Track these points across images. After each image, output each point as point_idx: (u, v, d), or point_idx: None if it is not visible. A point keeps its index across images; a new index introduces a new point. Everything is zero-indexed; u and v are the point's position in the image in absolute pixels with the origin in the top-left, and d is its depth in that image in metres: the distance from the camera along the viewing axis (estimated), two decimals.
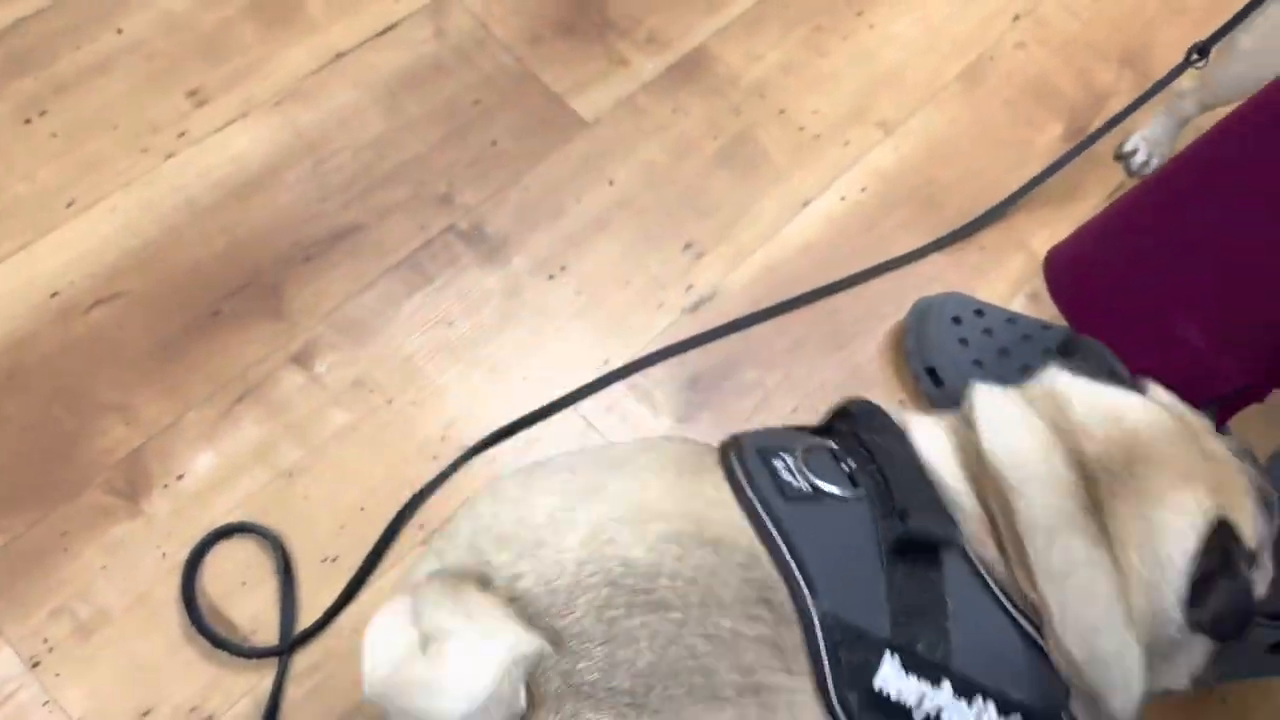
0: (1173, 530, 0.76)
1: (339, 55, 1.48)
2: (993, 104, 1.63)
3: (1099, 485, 0.77)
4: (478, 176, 1.42)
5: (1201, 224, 1.08)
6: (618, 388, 1.32)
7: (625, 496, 0.75)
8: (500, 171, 1.43)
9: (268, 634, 1.13)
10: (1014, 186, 1.52)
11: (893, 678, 0.72)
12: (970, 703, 0.74)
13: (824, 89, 1.59)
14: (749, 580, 0.72)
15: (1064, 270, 1.24)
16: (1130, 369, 1.20)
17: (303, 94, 1.44)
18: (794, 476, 0.78)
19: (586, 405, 1.30)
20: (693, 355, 1.36)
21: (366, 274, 1.33)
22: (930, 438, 0.82)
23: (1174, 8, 1.74)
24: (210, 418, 1.23)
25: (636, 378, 1.33)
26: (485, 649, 0.66)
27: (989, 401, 0.83)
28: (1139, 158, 1.59)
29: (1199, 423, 0.85)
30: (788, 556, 0.73)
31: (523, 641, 0.67)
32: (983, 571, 0.77)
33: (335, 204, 1.37)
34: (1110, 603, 0.76)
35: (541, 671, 0.68)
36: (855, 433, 0.83)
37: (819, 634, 0.71)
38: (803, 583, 0.72)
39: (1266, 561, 0.82)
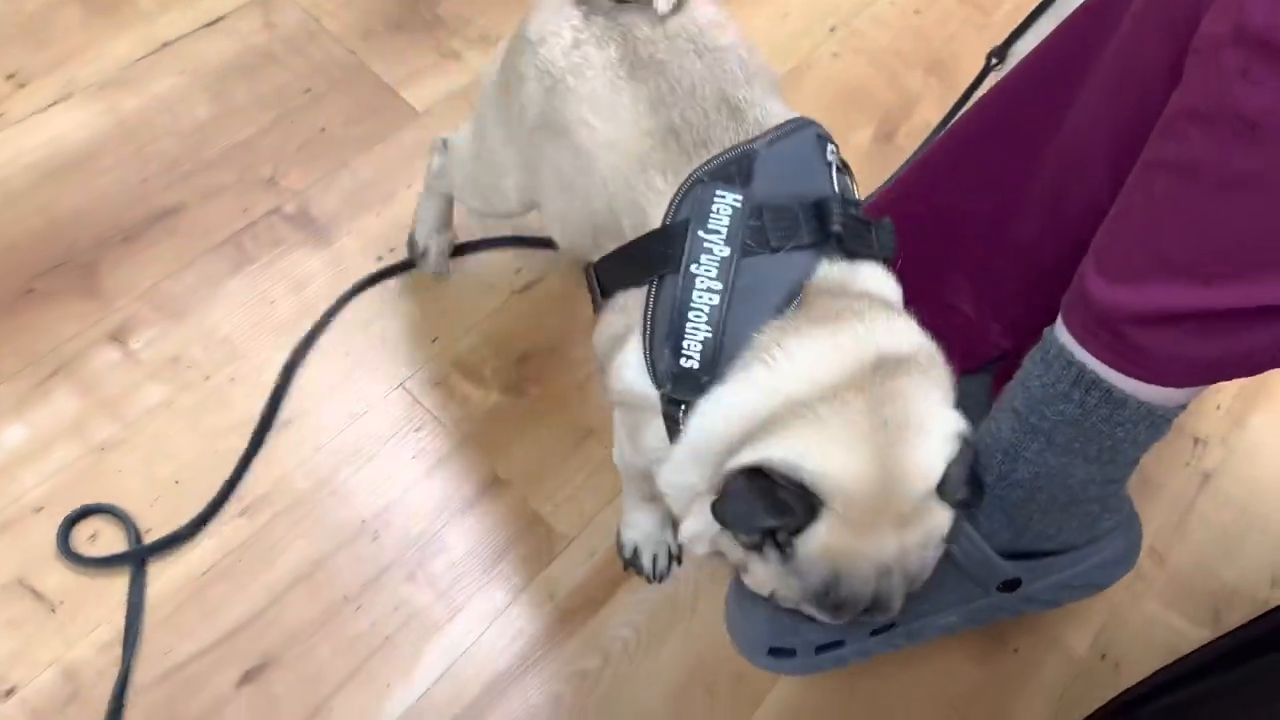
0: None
1: (166, 44, 1.48)
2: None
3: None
4: (305, 161, 1.44)
5: (961, 196, 1.18)
6: (444, 364, 1.35)
7: None
8: (329, 157, 1.45)
9: (75, 605, 1.12)
10: None
11: (725, 204, 0.87)
12: (715, 278, 0.87)
13: None
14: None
15: None
16: None
17: (127, 80, 1.45)
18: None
19: (413, 382, 1.33)
20: (522, 332, 1.39)
21: (186, 254, 1.34)
22: None
23: (977, 22, 1.88)
24: (21, 391, 1.22)
25: (464, 354, 1.36)
26: None
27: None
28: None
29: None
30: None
31: None
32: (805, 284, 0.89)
33: (156, 186, 1.38)
34: None
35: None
36: None
37: (741, 147, 0.89)
38: (776, 132, 0.91)
39: None
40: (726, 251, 0.86)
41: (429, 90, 1.54)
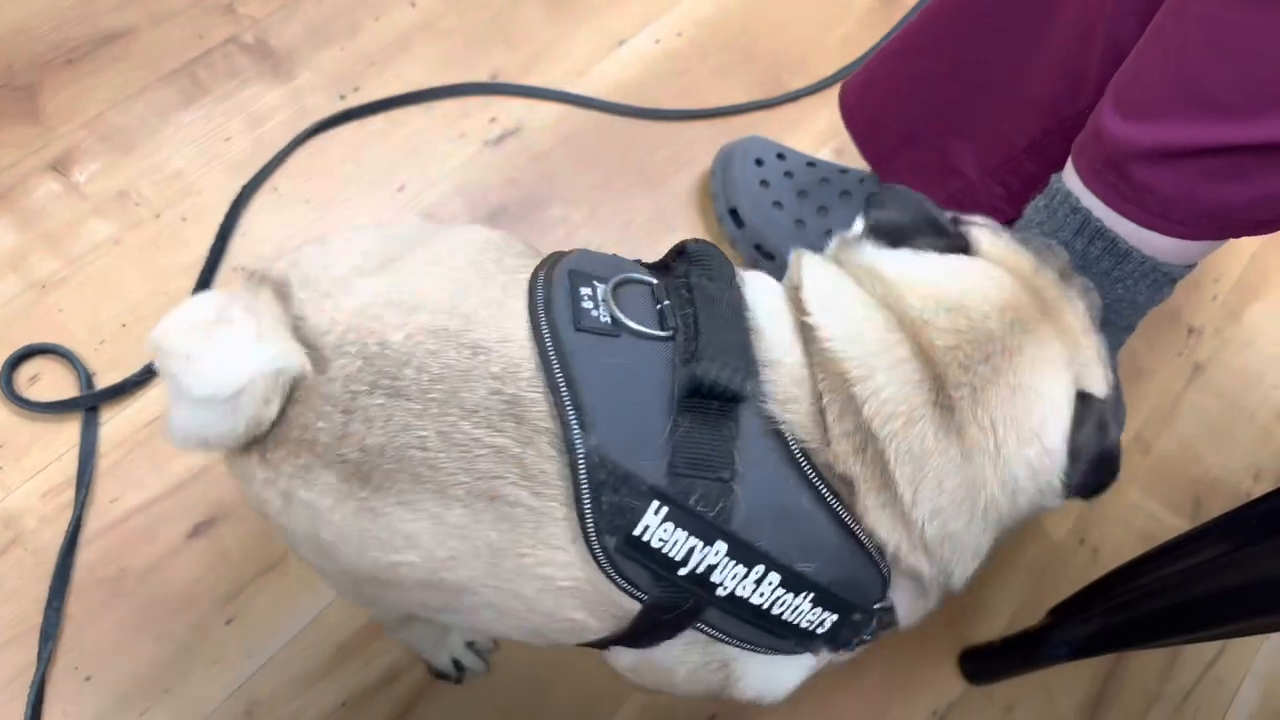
0: (1045, 418, 0.72)
1: None
2: None
3: (947, 380, 0.70)
4: None
5: (971, 50, 1.09)
6: (411, 214, 1.27)
7: (409, 277, 0.72)
8: None
9: (15, 449, 1.06)
10: (827, 40, 1.52)
11: (657, 528, 0.67)
12: (751, 570, 0.69)
13: None
14: (498, 392, 0.67)
15: (856, 99, 1.24)
16: None
17: None
18: (596, 306, 0.71)
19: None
20: (497, 188, 1.31)
21: (135, 81, 1.24)
22: (764, 292, 0.75)
23: None
24: None
25: (435, 208, 1.28)
26: (256, 346, 0.65)
27: (819, 276, 0.75)
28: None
29: (1033, 266, 0.77)
30: (560, 383, 0.67)
31: (292, 355, 0.66)
32: (788, 436, 0.69)
33: (104, 5, 1.26)
34: (964, 489, 0.71)
35: (291, 411, 0.67)
36: (686, 274, 0.75)
37: (582, 469, 0.66)
38: (573, 413, 0.66)
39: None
40: (722, 546, 0.68)
41: None
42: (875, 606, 0.74)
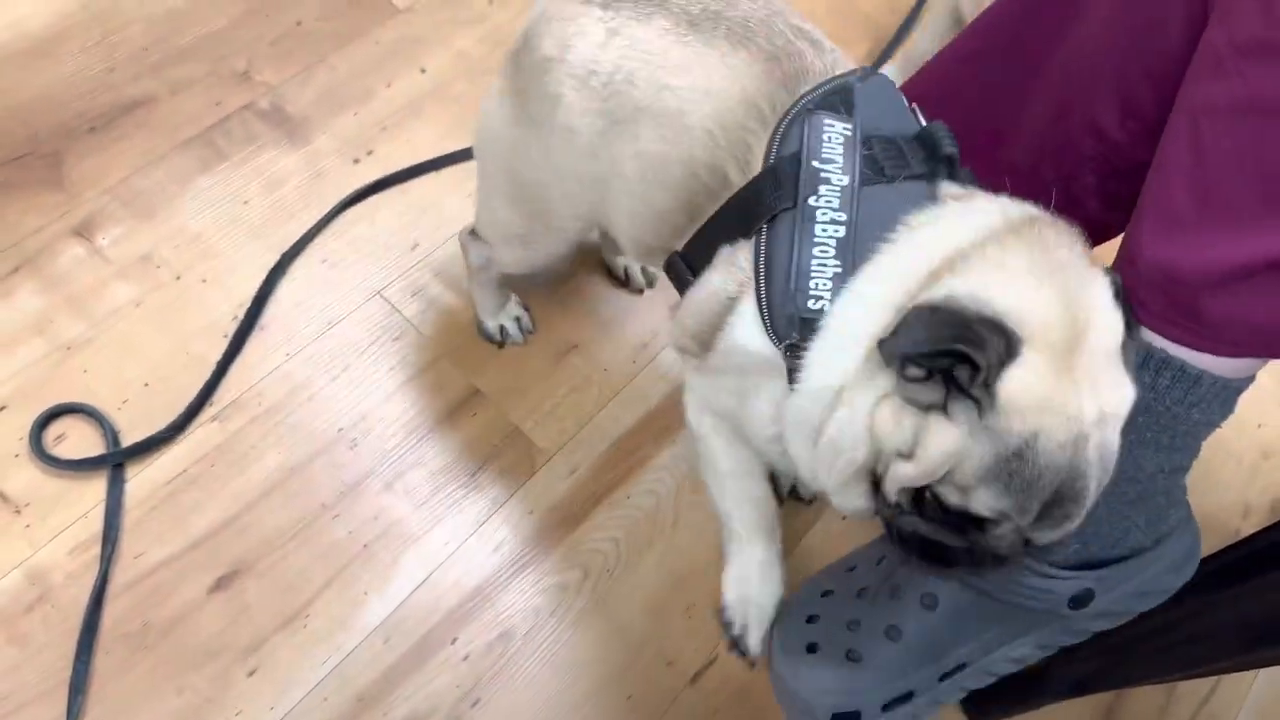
0: None
1: None
2: None
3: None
4: (280, 56, 1.38)
5: (957, 118, 1.13)
6: (425, 273, 1.31)
7: None
8: (305, 52, 1.39)
9: (42, 507, 1.09)
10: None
11: (837, 131, 0.83)
12: (838, 208, 0.80)
13: None
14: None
15: None
16: None
17: None
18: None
19: (392, 290, 1.29)
20: None
21: (156, 148, 1.28)
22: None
23: None
24: None
25: (447, 266, 1.32)
26: None
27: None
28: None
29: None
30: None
31: None
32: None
33: (124, 76, 1.31)
34: None
35: None
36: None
37: (836, 80, 0.86)
38: (860, 74, 0.87)
39: None
40: (846, 180, 0.80)
41: None
42: None
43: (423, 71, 1.42)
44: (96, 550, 1.08)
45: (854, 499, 0.81)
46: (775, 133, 0.83)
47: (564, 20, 0.92)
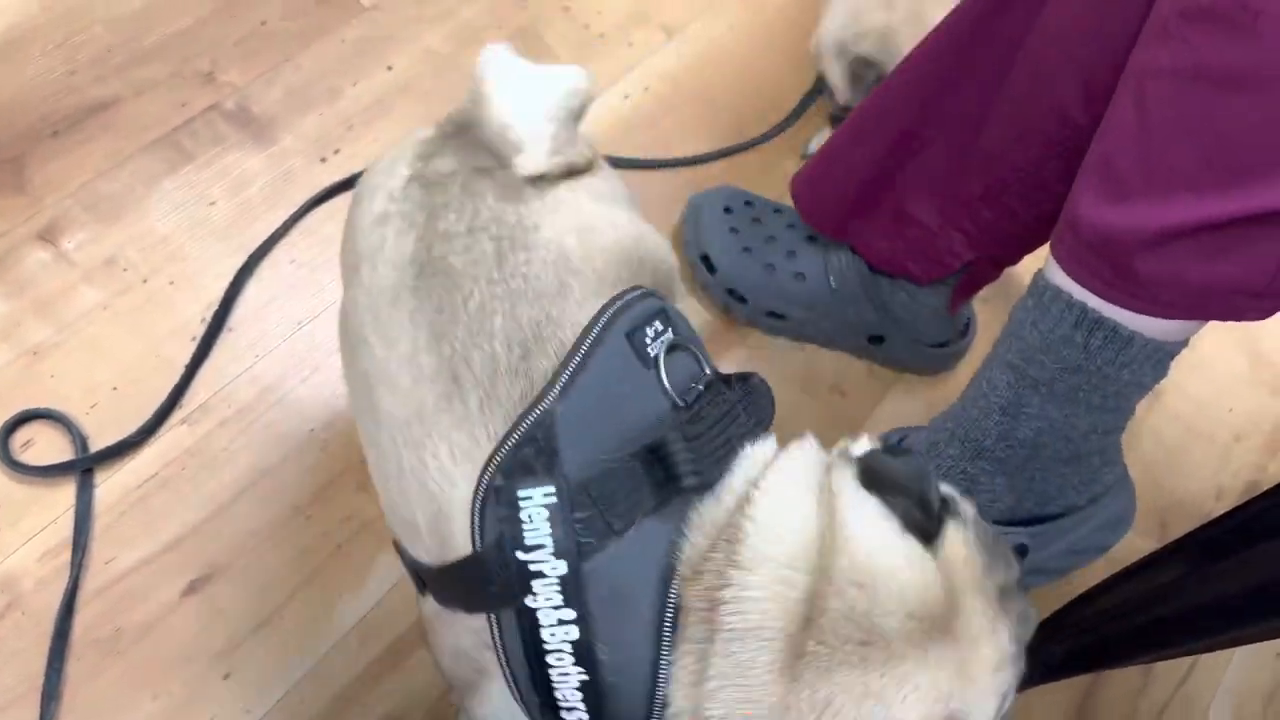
0: None
1: None
2: (768, 11, 1.69)
3: (816, 629, 0.64)
4: (245, 56, 1.37)
5: (923, 109, 1.14)
6: None
7: None
8: (270, 52, 1.38)
9: (11, 513, 1.07)
10: (789, 92, 1.57)
11: (536, 504, 0.65)
12: (563, 609, 0.66)
13: None
14: (539, 324, 0.71)
15: (807, 188, 1.30)
16: (876, 256, 1.27)
17: None
18: (653, 340, 0.73)
19: None
20: None
21: (120, 151, 1.27)
22: (769, 448, 0.74)
23: None
24: None
25: None
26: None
27: (799, 466, 0.72)
28: None
29: (977, 581, 0.69)
30: (582, 350, 0.69)
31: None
32: (674, 549, 0.68)
33: (87, 78, 1.30)
34: None
35: None
36: (733, 390, 0.75)
37: (532, 417, 0.67)
38: (567, 376, 0.68)
39: None
40: (563, 568, 0.65)
41: None
42: None
43: (389, 69, 1.42)
44: (66, 556, 1.06)
45: None
46: (472, 515, 0.66)
47: (387, 164, 0.82)
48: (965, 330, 1.40)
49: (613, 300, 0.72)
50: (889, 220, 1.21)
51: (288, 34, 1.40)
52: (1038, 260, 1.09)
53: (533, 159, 0.78)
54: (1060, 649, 1.11)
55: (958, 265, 1.23)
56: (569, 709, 0.67)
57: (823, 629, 0.63)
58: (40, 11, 1.32)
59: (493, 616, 0.68)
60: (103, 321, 1.18)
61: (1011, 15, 1.07)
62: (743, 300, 1.36)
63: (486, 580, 0.66)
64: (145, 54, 1.33)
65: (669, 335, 0.73)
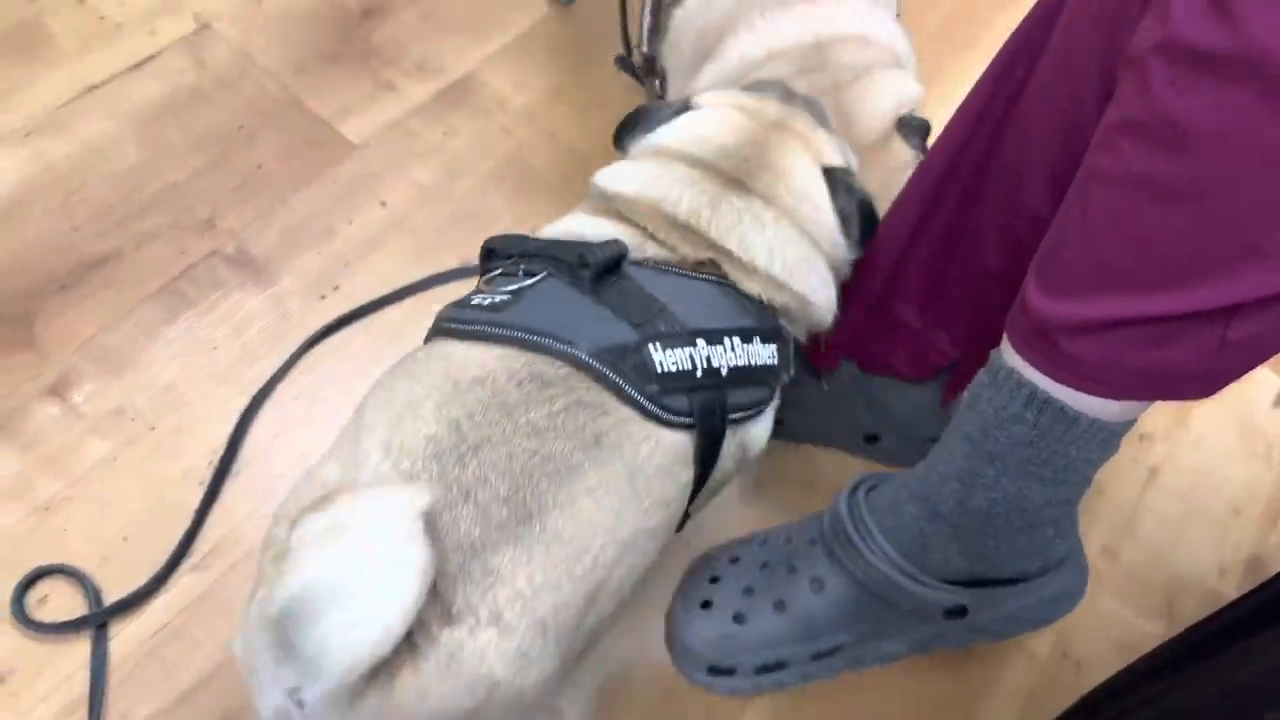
0: (806, 185, 1.03)
1: (92, 87, 1.45)
2: None
3: (730, 172, 1.00)
4: (242, 200, 1.41)
5: (908, 221, 1.19)
6: None
7: (402, 397, 0.84)
8: (265, 195, 1.43)
9: (26, 673, 1.08)
10: None
11: (665, 359, 0.89)
12: (722, 344, 0.93)
13: (593, 114, 1.67)
14: (518, 379, 0.83)
15: None
16: (868, 359, 1.31)
17: (54, 125, 1.41)
18: (489, 298, 0.91)
19: None
20: None
21: (124, 302, 1.31)
22: (566, 223, 1.02)
23: None
24: None
25: None
26: (388, 504, 0.69)
27: (607, 174, 1.02)
28: None
29: (755, 99, 1.09)
30: (534, 338, 0.86)
31: (417, 491, 0.69)
32: (660, 263, 0.96)
33: (89, 233, 1.34)
34: (778, 229, 0.99)
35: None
36: (509, 255, 0.98)
37: (600, 368, 0.86)
38: (561, 344, 0.86)
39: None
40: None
41: (365, 123, 1.52)
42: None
43: (383, 205, 1.46)
44: (82, 714, 1.07)
45: None
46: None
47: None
48: None
49: (443, 329, 0.94)
50: (880, 327, 1.25)
51: (282, 176, 1.44)
52: None
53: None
54: None
55: (946, 364, 1.26)
56: (769, 356, 0.98)
57: (724, 166, 1.02)
58: (42, 172, 1.37)
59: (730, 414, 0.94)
60: (112, 473, 1.20)
61: (988, 136, 1.12)
62: None
63: (711, 410, 0.92)
64: (144, 206, 1.38)
65: (477, 296, 0.95)
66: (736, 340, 0.94)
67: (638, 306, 0.90)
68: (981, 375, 0.97)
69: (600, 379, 0.85)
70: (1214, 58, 0.73)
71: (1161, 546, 1.46)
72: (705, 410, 0.91)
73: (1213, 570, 1.46)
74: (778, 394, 1.03)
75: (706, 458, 0.93)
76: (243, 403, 1.27)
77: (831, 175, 1.05)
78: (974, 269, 1.17)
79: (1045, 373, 0.90)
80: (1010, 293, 1.14)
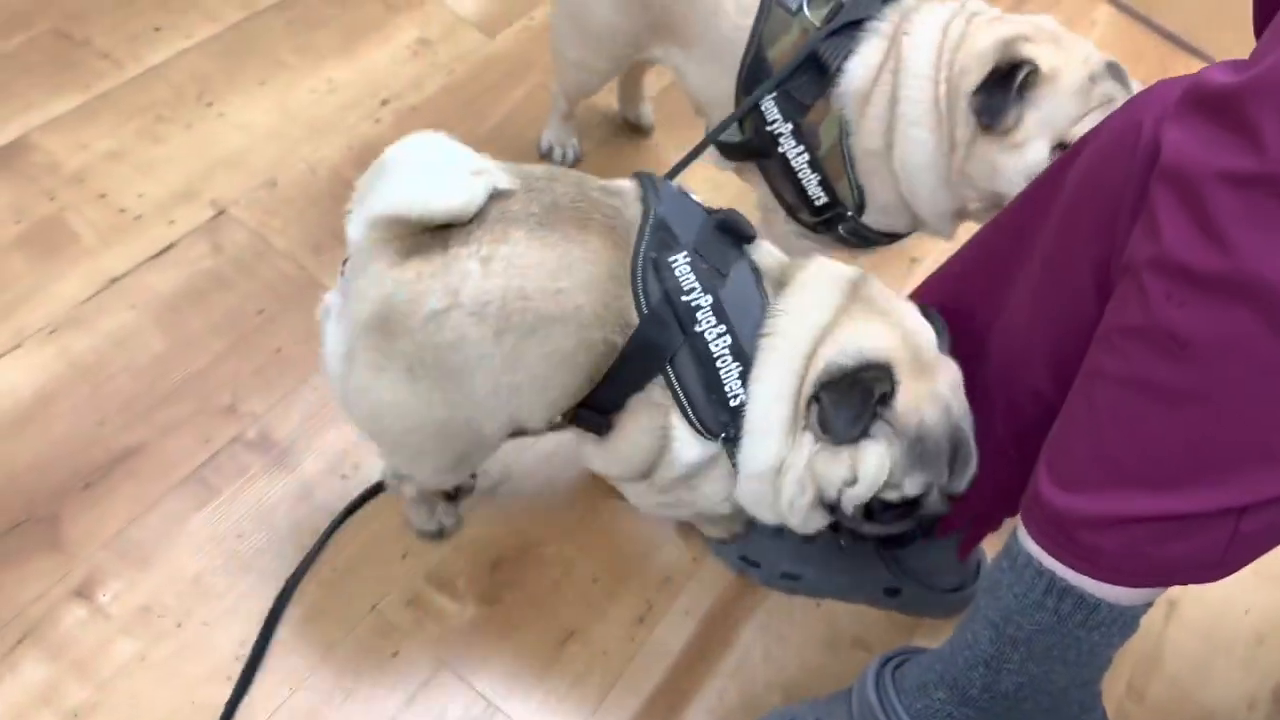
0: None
1: (114, 279, 1.49)
2: None
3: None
4: (263, 384, 1.45)
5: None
6: (416, 579, 1.34)
7: None
8: (287, 376, 1.46)
9: None
10: None
11: (681, 264, 1.05)
12: (717, 324, 1.05)
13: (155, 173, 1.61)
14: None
15: None
16: None
17: (77, 320, 1.45)
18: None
19: (387, 603, 1.31)
20: (492, 534, 1.39)
21: (149, 495, 1.33)
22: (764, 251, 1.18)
23: None
24: None
25: (436, 567, 1.35)
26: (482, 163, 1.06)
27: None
28: (556, 153, 1.82)
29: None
30: (649, 186, 1.11)
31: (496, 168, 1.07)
32: (759, 269, 1.11)
33: (114, 427, 1.37)
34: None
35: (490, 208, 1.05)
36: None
37: (652, 215, 1.07)
38: (653, 193, 1.10)
39: None
40: (709, 298, 1.05)
41: None
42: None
43: None
44: None
45: (815, 523, 1.13)
46: (635, 287, 1.05)
47: (431, 277, 1.03)
48: (977, 572, 1.44)
49: (638, 174, 1.15)
50: None
51: (301, 357, 1.48)
52: None
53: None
54: None
55: (961, 523, 1.28)
56: (734, 395, 1.06)
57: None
58: (66, 368, 1.40)
59: (669, 371, 1.06)
60: (140, 673, 1.21)
61: (976, 296, 1.16)
62: (756, 565, 1.40)
63: (662, 327, 1.04)
64: (168, 396, 1.41)
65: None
66: (729, 343, 1.06)
67: (713, 251, 1.09)
68: (1001, 560, 0.99)
69: (642, 215, 1.08)
70: (1208, 279, 0.77)
71: (1186, 683, 1.46)
72: (657, 319, 1.04)
73: (1241, 703, 1.46)
74: (723, 462, 1.12)
75: (616, 371, 1.07)
76: (269, 589, 1.28)
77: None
78: (982, 432, 1.19)
79: (1063, 562, 0.92)
80: (1018, 461, 1.16)
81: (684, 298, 1.04)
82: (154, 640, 1.23)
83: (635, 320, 1.05)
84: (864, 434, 1.03)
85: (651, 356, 1.06)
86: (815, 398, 1.04)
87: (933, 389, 1.06)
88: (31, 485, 1.30)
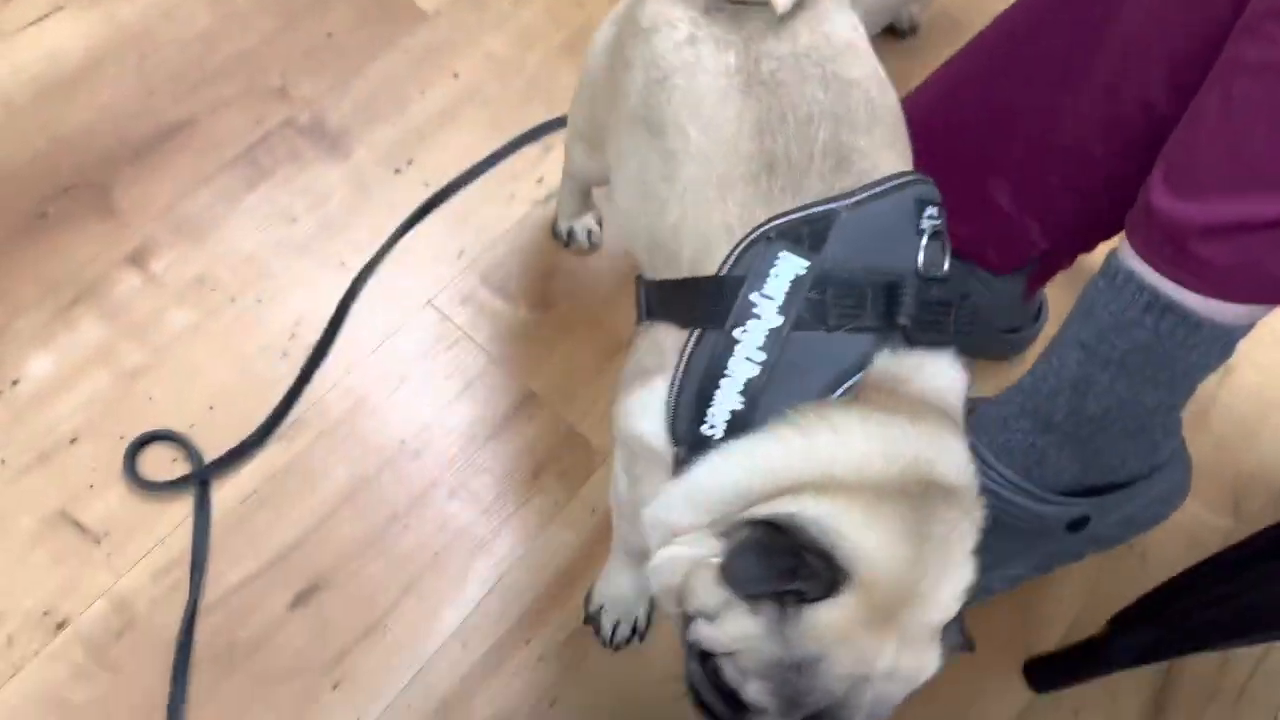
0: None
1: None
2: None
3: None
4: (314, 69, 1.38)
5: (1008, 94, 1.14)
6: (472, 279, 1.32)
7: None
8: (338, 64, 1.40)
9: (121, 535, 1.11)
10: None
11: (784, 266, 0.79)
12: (760, 350, 0.79)
13: None
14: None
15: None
16: (958, 241, 1.28)
17: None
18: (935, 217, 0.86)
19: (442, 298, 1.30)
20: (547, 243, 1.37)
21: (200, 170, 1.29)
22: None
23: None
24: (44, 321, 1.19)
25: (492, 270, 1.33)
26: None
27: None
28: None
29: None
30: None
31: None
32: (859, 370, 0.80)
33: (163, 99, 1.32)
34: None
35: None
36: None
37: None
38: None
39: None
40: (778, 321, 0.78)
41: None
42: None
43: (455, 76, 1.43)
44: (178, 574, 1.10)
45: (669, 606, 0.83)
46: (733, 251, 0.80)
47: (669, 1, 0.91)
48: (1037, 315, 1.41)
49: (918, 171, 0.86)
50: (972, 205, 1.21)
51: (353, 45, 1.41)
52: (1112, 243, 1.09)
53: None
54: (1148, 637, 1.12)
55: (1032, 254, 1.23)
56: (710, 427, 0.80)
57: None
58: (113, 35, 1.34)
59: (694, 334, 0.81)
60: (195, 342, 1.21)
61: (1091, 6, 1.07)
62: None
63: (717, 298, 0.80)
64: (216, 72, 1.35)
65: (939, 223, 0.84)
66: (758, 366, 0.79)
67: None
68: (1097, 280, 0.94)
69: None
70: None
71: (1232, 443, 1.46)
72: (716, 288, 0.82)
73: None
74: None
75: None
76: (322, 275, 1.27)
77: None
78: (1076, 155, 1.13)
79: (1170, 277, 0.86)
80: (1113, 185, 1.10)
81: (754, 295, 0.79)
82: (208, 312, 1.23)
83: (715, 261, 0.82)
84: (754, 599, 0.75)
85: (692, 310, 0.83)
86: (751, 524, 0.75)
87: (871, 649, 0.74)
88: (80, 150, 1.27)
